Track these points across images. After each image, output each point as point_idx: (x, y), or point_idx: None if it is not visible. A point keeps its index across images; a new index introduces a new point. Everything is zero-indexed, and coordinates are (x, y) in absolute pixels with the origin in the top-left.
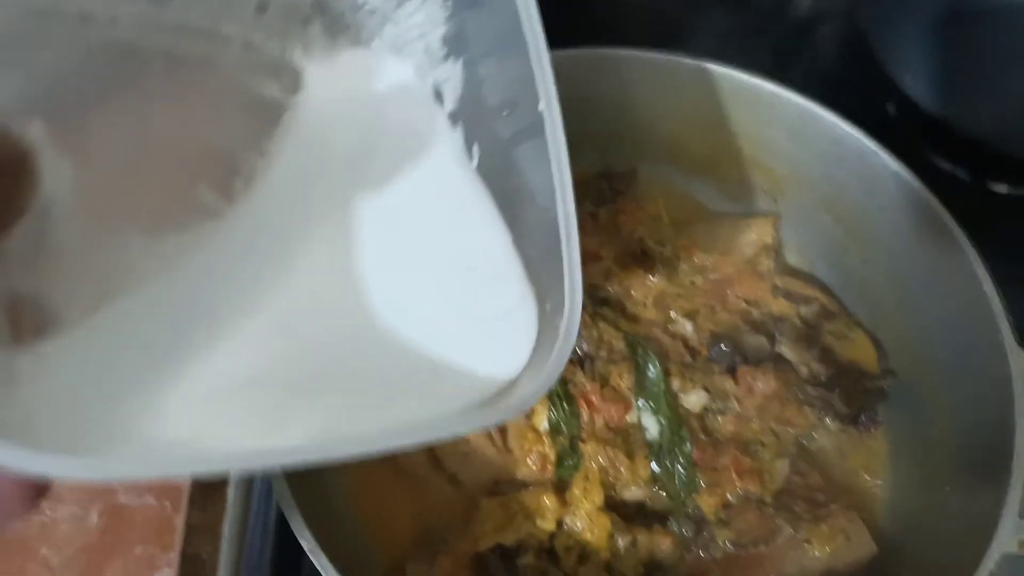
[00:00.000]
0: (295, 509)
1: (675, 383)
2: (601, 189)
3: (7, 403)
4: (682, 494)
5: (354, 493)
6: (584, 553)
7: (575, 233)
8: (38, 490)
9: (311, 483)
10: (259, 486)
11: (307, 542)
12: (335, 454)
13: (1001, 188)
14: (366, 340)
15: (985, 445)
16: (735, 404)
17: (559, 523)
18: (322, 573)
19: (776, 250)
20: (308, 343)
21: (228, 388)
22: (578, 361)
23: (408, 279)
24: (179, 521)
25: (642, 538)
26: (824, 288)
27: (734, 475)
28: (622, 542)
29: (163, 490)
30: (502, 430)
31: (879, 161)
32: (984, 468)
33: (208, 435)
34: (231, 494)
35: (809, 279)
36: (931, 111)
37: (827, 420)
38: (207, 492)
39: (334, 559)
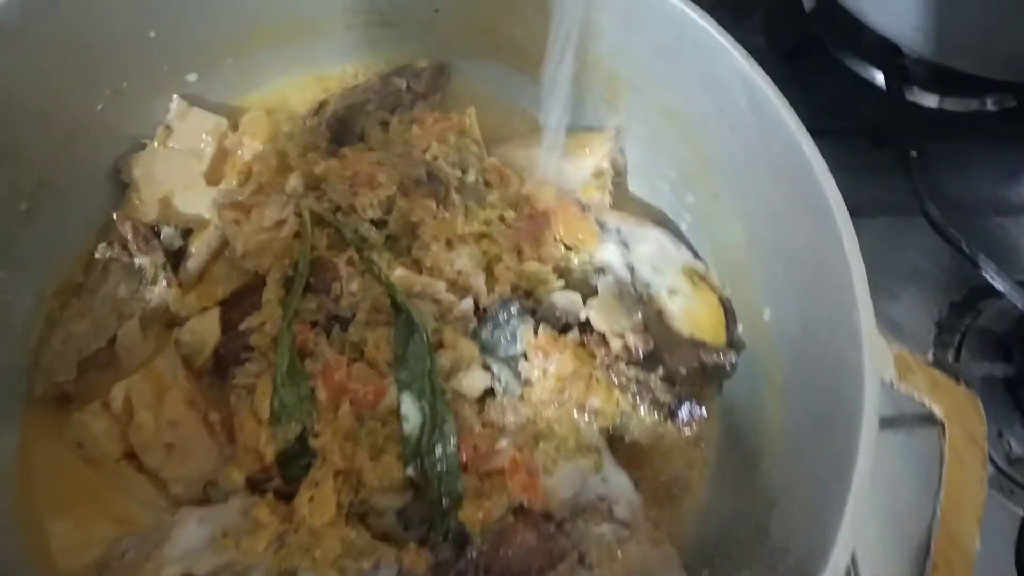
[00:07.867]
0: None
1: (447, 358)
2: (396, 90)
3: None
4: (444, 503)
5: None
6: None
7: None
8: None
9: None
10: None
11: None
12: None
13: (929, 101)
14: None
15: (822, 443)
16: (527, 386)
17: (280, 540)
18: None
19: (615, 175)
20: None
21: None
22: (323, 324)
23: None
24: None
25: (388, 559)
26: (665, 222)
27: (509, 483)
28: (366, 565)
29: None
30: (225, 414)
31: (728, 61)
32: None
33: None
34: None
35: (648, 212)
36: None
37: (641, 410)
38: None
39: None
